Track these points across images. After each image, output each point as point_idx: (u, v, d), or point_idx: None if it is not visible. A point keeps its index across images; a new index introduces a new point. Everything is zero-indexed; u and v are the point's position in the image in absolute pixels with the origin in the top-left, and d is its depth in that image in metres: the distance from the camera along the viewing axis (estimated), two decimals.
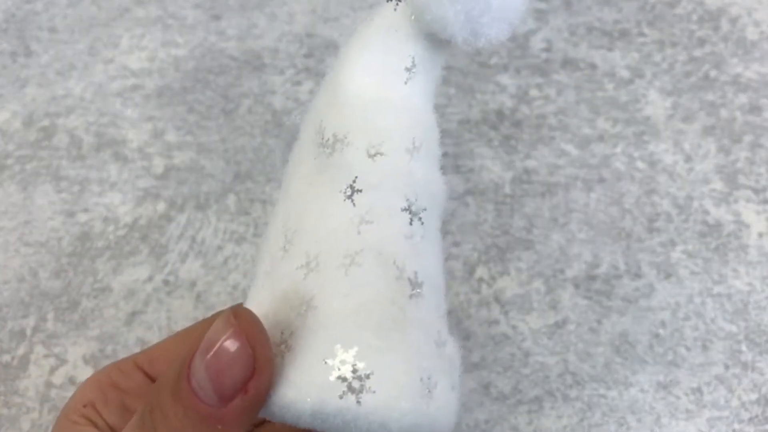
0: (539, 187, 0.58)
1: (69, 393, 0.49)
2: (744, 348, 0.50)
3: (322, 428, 0.28)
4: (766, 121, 0.61)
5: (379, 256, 0.30)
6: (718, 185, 0.58)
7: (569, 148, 0.60)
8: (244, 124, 0.62)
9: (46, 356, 0.51)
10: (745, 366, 0.50)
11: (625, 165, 0.59)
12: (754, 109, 0.62)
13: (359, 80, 0.31)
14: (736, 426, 0.47)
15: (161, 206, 0.58)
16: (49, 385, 0.50)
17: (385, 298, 0.29)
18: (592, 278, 0.53)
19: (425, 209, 0.31)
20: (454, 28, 0.30)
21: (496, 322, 0.52)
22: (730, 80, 0.64)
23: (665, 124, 0.61)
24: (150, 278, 0.54)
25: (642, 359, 0.50)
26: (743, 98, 0.62)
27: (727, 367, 0.50)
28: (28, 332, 0.52)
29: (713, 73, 0.64)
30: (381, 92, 0.31)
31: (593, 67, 0.65)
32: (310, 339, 0.28)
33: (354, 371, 0.28)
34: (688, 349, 0.50)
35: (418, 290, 0.30)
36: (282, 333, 0.29)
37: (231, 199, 0.58)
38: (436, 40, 0.31)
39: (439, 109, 0.62)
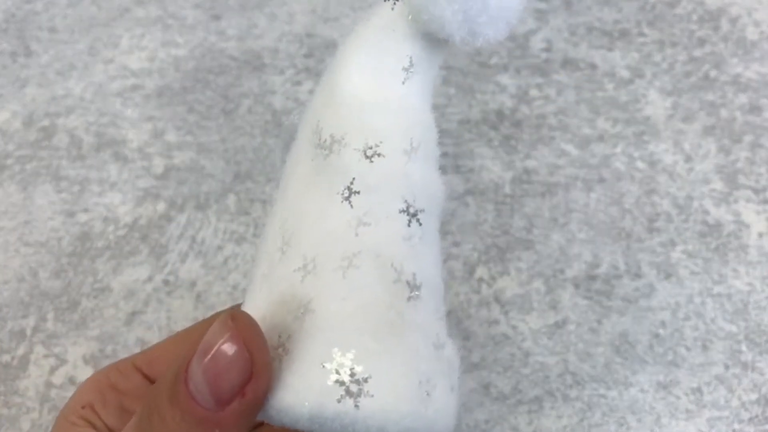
0: (539, 187, 0.58)
1: (69, 393, 0.49)
2: (744, 348, 0.50)
3: None
4: (766, 121, 0.61)
5: (377, 259, 0.29)
6: (718, 185, 0.58)
7: (569, 148, 0.60)
8: (244, 124, 0.62)
9: (46, 356, 0.51)
10: (745, 366, 0.50)
11: (625, 165, 0.59)
12: (754, 109, 0.62)
13: (356, 80, 0.31)
14: (736, 426, 0.47)
15: (161, 206, 0.58)
16: (49, 385, 0.50)
17: (382, 301, 0.29)
18: (592, 278, 0.53)
19: (423, 210, 0.31)
20: (451, 27, 0.30)
21: (496, 322, 0.52)
22: (730, 80, 0.64)
23: (665, 124, 0.61)
24: (150, 278, 0.54)
25: (642, 359, 0.50)
26: (743, 98, 0.62)
27: (727, 367, 0.50)
28: (28, 332, 0.52)
29: (713, 73, 0.64)
30: (378, 93, 0.31)
31: (593, 67, 0.65)
32: (308, 342, 0.28)
33: (352, 375, 0.28)
34: (688, 349, 0.50)
35: (417, 293, 0.30)
36: (279, 336, 0.29)
37: (231, 199, 0.58)
38: (433, 39, 0.31)
39: (439, 109, 0.62)
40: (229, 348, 0.27)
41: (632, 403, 0.48)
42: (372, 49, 0.31)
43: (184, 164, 0.60)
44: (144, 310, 0.53)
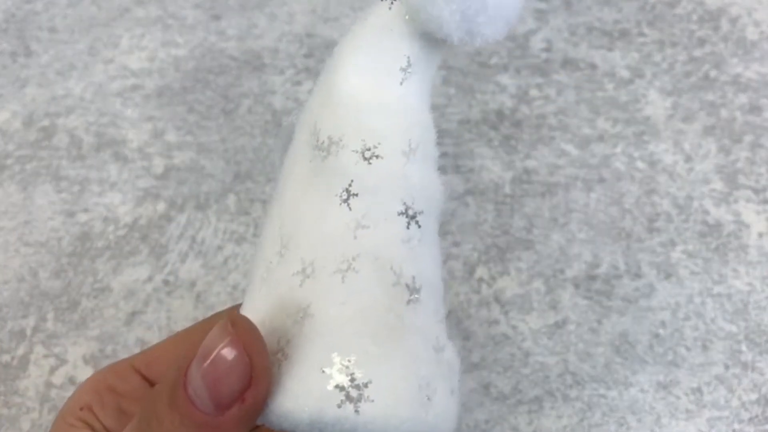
0: (539, 187, 0.58)
1: (69, 393, 0.49)
2: (744, 348, 0.50)
3: None
4: (766, 121, 0.61)
5: (375, 262, 0.29)
6: (718, 185, 0.58)
7: (569, 148, 0.60)
8: (244, 124, 0.62)
9: (46, 356, 0.51)
10: (745, 366, 0.50)
11: (625, 165, 0.59)
12: (754, 109, 0.62)
13: (353, 81, 0.31)
14: (736, 426, 0.47)
15: (161, 206, 0.58)
16: (49, 385, 0.50)
17: (382, 305, 0.29)
18: (592, 278, 0.53)
19: (422, 212, 0.31)
20: (449, 27, 0.30)
21: (496, 322, 0.52)
22: (730, 80, 0.64)
23: (665, 124, 0.61)
24: (150, 278, 0.54)
25: (642, 359, 0.50)
26: (743, 98, 0.62)
27: (727, 367, 0.50)
28: (28, 332, 0.52)
29: (713, 73, 0.64)
30: (376, 93, 0.31)
31: (593, 67, 0.65)
32: (307, 347, 0.28)
33: (352, 380, 0.27)
34: (688, 349, 0.50)
35: (416, 295, 0.30)
36: (279, 341, 0.29)
37: (231, 199, 0.58)
38: (431, 39, 0.31)
39: (439, 109, 0.62)
40: (228, 353, 0.26)
41: (632, 403, 0.48)
42: (369, 49, 0.31)
43: (184, 164, 0.60)
44: (144, 310, 0.53)
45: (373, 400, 0.27)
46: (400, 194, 0.30)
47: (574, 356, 0.50)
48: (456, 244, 0.55)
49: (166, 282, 0.54)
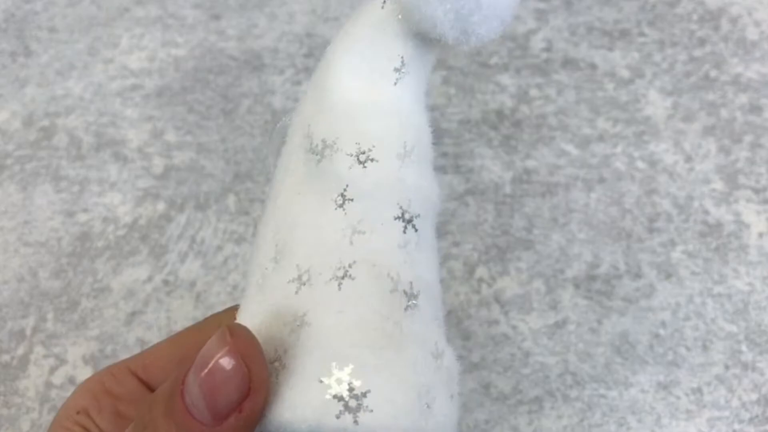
0: (539, 187, 0.58)
1: (69, 393, 0.49)
2: (744, 348, 0.50)
3: None
4: (767, 121, 0.61)
5: (372, 269, 0.29)
6: (719, 185, 0.57)
7: (569, 148, 0.60)
8: (244, 124, 0.62)
9: (45, 356, 0.51)
10: (745, 366, 0.50)
11: (625, 165, 0.59)
12: (755, 109, 0.62)
13: (346, 83, 0.30)
14: (737, 426, 0.47)
15: (161, 206, 0.58)
16: (48, 385, 0.50)
17: (379, 313, 0.28)
18: (592, 278, 0.53)
19: (419, 215, 0.30)
20: (444, 27, 0.29)
21: (496, 322, 0.52)
22: (731, 80, 0.64)
23: (665, 124, 0.61)
24: (150, 278, 0.54)
25: (642, 359, 0.50)
26: (743, 98, 0.62)
27: (727, 367, 0.50)
28: (28, 332, 0.52)
29: (713, 73, 0.64)
30: (369, 95, 0.30)
31: (593, 67, 0.65)
32: (305, 357, 0.28)
33: (350, 390, 0.27)
34: (688, 349, 0.50)
35: (414, 302, 0.29)
36: (276, 350, 0.28)
37: (231, 199, 0.58)
38: (425, 39, 0.30)
39: (439, 109, 0.62)
40: (226, 362, 0.26)
41: (632, 403, 0.48)
42: (362, 49, 0.30)
43: (184, 164, 0.60)
44: (144, 310, 0.53)
45: (372, 410, 0.27)
46: (396, 198, 0.30)
47: (574, 356, 0.50)
48: (456, 244, 0.55)
49: (165, 282, 0.54)
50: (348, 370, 0.27)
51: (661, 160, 0.59)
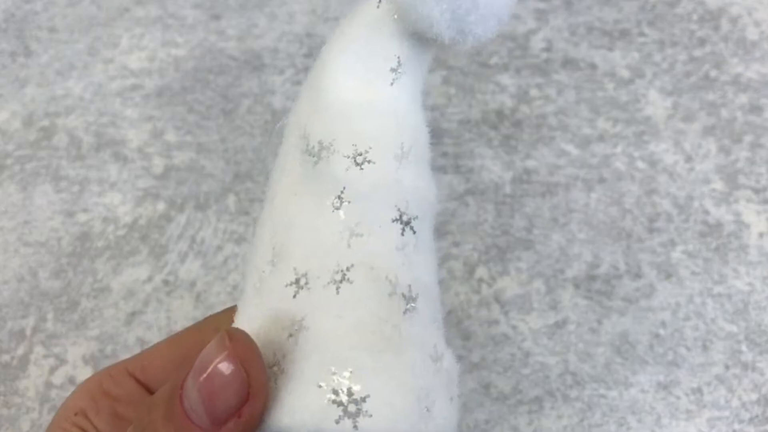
0: (539, 187, 0.58)
1: (69, 393, 0.49)
2: (744, 348, 0.50)
3: None
4: (767, 121, 0.61)
5: (370, 272, 0.29)
6: (719, 185, 0.57)
7: (569, 148, 0.60)
8: (244, 124, 0.62)
9: (45, 356, 0.51)
10: (745, 366, 0.50)
11: (625, 165, 0.59)
12: (755, 109, 0.62)
13: (342, 83, 0.30)
14: (737, 426, 0.47)
15: (161, 206, 0.58)
16: (48, 385, 0.50)
17: (378, 317, 0.28)
18: (593, 278, 0.53)
19: (416, 217, 0.30)
20: (440, 27, 0.28)
21: (496, 322, 0.52)
22: (731, 80, 0.64)
23: (665, 124, 0.61)
24: (150, 278, 0.54)
25: (642, 359, 0.50)
26: (743, 98, 0.62)
27: (727, 367, 0.50)
28: (28, 332, 0.52)
29: (713, 73, 0.64)
30: (366, 95, 0.30)
31: (593, 67, 0.65)
32: (304, 362, 0.28)
33: (350, 395, 0.27)
34: (688, 349, 0.50)
35: (413, 304, 0.29)
36: (275, 354, 0.28)
37: (231, 199, 0.58)
38: (421, 38, 0.30)
39: (439, 109, 0.62)
40: (225, 367, 0.26)
41: (632, 404, 0.48)
42: (358, 49, 0.30)
43: (184, 164, 0.60)
44: (144, 310, 0.53)
45: (371, 415, 0.27)
46: (394, 200, 0.30)
47: (574, 356, 0.50)
48: (456, 244, 0.55)
49: (165, 282, 0.54)
50: (347, 374, 0.27)
51: (661, 160, 0.59)
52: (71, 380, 0.50)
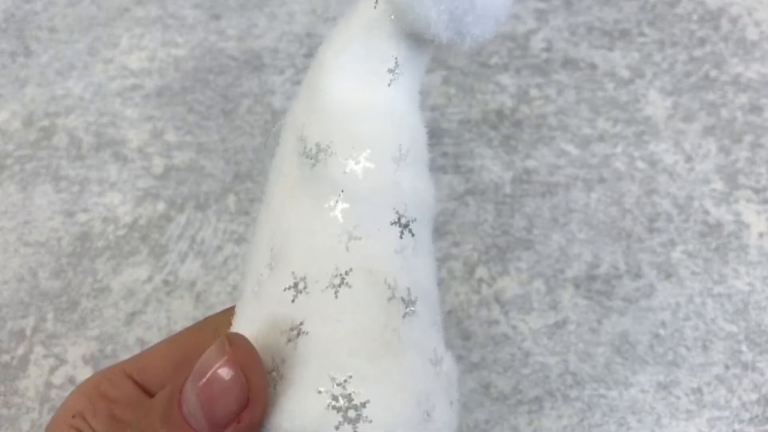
0: (539, 187, 0.58)
1: (68, 393, 0.49)
2: (744, 348, 0.50)
3: None
4: (767, 121, 0.61)
5: (369, 275, 0.28)
6: (719, 185, 0.57)
7: (569, 148, 0.60)
8: (244, 124, 0.62)
9: (45, 356, 0.51)
10: (745, 366, 0.50)
11: (625, 165, 0.59)
12: (755, 109, 0.62)
13: (340, 84, 0.30)
14: (737, 426, 0.47)
15: (161, 206, 0.58)
16: (48, 385, 0.50)
17: (377, 321, 0.28)
18: (593, 278, 0.53)
19: (415, 220, 0.30)
20: (437, 28, 0.28)
21: (496, 322, 0.52)
22: (731, 80, 0.64)
23: (665, 124, 0.61)
24: (150, 278, 0.54)
25: (642, 359, 0.50)
26: (743, 98, 0.62)
27: (727, 367, 0.50)
28: (28, 332, 0.52)
29: (713, 73, 0.64)
30: (363, 97, 0.30)
31: (593, 67, 0.65)
32: (303, 367, 0.27)
33: (349, 400, 0.27)
34: (688, 349, 0.50)
35: (412, 308, 0.29)
36: (273, 359, 0.28)
37: (231, 199, 0.58)
38: (419, 39, 0.29)
39: (439, 109, 0.62)
40: (225, 373, 0.26)
41: (632, 404, 0.48)
42: (355, 50, 0.30)
43: (184, 164, 0.60)
44: (144, 310, 0.53)
45: (371, 421, 0.27)
46: (392, 203, 0.29)
47: (574, 356, 0.50)
48: (456, 244, 0.55)
49: (165, 282, 0.54)
50: (346, 379, 0.27)
51: (661, 160, 0.59)
52: (71, 380, 0.50)
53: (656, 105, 0.62)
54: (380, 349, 0.28)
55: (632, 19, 0.68)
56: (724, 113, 0.62)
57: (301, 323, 0.28)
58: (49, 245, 0.56)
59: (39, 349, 0.51)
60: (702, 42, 0.66)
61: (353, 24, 0.30)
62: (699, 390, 0.49)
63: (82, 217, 0.57)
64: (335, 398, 0.27)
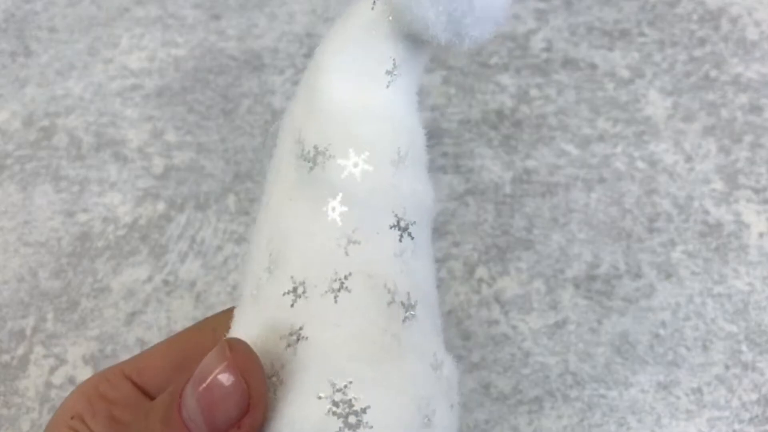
0: (539, 187, 0.58)
1: (68, 393, 0.49)
2: (744, 348, 0.50)
3: None
4: (767, 121, 0.61)
5: (369, 280, 0.28)
6: (719, 185, 0.57)
7: (569, 148, 0.60)
8: (244, 124, 0.62)
9: (45, 356, 0.51)
10: (745, 366, 0.50)
11: (625, 165, 0.59)
12: (755, 109, 0.62)
13: (337, 86, 0.29)
14: (737, 426, 0.47)
15: (161, 206, 0.58)
16: (48, 385, 0.50)
17: (377, 326, 0.28)
18: (593, 278, 0.53)
19: (414, 223, 0.30)
20: (436, 29, 0.28)
21: (496, 322, 0.52)
22: (731, 80, 0.64)
23: (665, 124, 0.61)
24: (150, 278, 0.54)
25: (642, 359, 0.50)
26: (743, 98, 0.62)
27: (727, 367, 0.50)
28: (28, 332, 0.52)
29: (713, 73, 0.64)
30: (361, 99, 0.29)
31: (593, 67, 0.65)
32: (303, 372, 0.27)
33: (350, 406, 0.27)
34: (688, 349, 0.50)
35: (412, 312, 0.29)
36: (273, 365, 0.28)
37: (231, 199, 0.58)
38: (417, 40, 0.29)
39: (439, 109, 0.62)
40: (226, 378, 0.26)
41: (632, 404, 0.48)
42: (353, 51, 0.30)
43: (184, 164, 0.60)
44: (144, 310, 0.53)
45: (371, 426, 0.27)
46: (391, 206, 0.29)
47: (574, 356, 0.50)
48: (456, 244, 0.55)
49: (165, 282, 0.54)
50: (347, 385, 0.27)
51: (661, 160, 0.59)
52: (71, 380, 0.50)
53: (656, 105, 0.62)
54: (380, 354, 0.28)
55: (632, 19, 0.68)
56: (724, 113, 0.62)
57: (301, 328, 0.28)
58: (49, 245, 0.56)
59: (39, 349, 0.51)
60: (702, 42, 0.66)
61: (351, 25, 0.30)
62: (699, 390, 0.49)
63: (82, 217, 0.57)
64: (335, 404, 0.27)
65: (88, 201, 0.58)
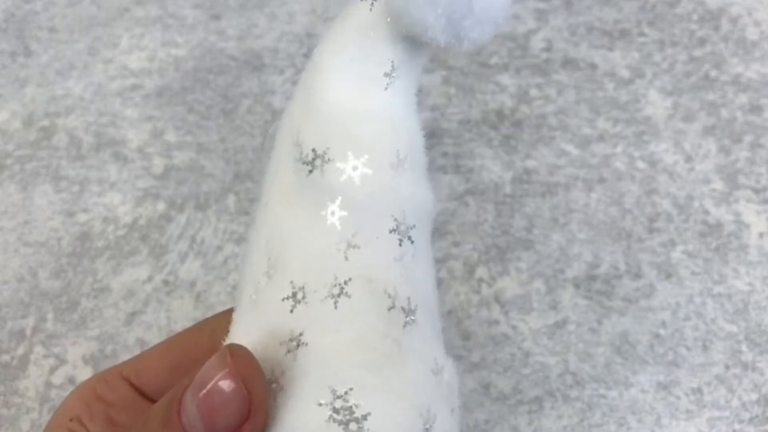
0: (539, 187, 0.58)
1: (68, 393, 0.49)
2: (744, 348, 0.50)
3: None
4: (767, 121, 0.61)
5: (369, 285, 0.28)
6: (719, 185, 0.57)
7: (569, 148, 0.60)
8: (244, 124, 0.62)
9: (45, 356, 0.51)
10: (745, 366, 0.50)
11: (625, 165, 0.59)
12: (755, 109, 0.62)
13: (336, 88, 0.29)
14: (737, 426, 0.47)
15: (161, 206, 0.58)
16: (48, 385, 0.50)
17: (378, 331, 0.28)
18: (593, 278, 0.53)
19: (414, 226, 0.29)
20: (435, 31, 0.28)
21: (496, 322, 0.52)
22: (731, 80, 0.64)
23: (665, 124, 0.61)
24: (150, 278, 0.54)
25: (642, 359, 0.50)
26: (743, 98, 0.62)
27: (727, 367, 0.50)
28: (28, 332, 0.52)
29: (713, 73, 0.64)
30: (360, 101, 0.29)
31: (593, 67, 0.65)
32: (303, 379, 0.27)
33: (350, 413, 0.26)
34: (688, 349, 0.50)
35: (412, 317, 0.28)
36: (273, 371, 0.28)
37: (231, 199, 0.58)
38: (416, 42, 0.29)
39: (439, 109, 0.62)
40: (226, 385, 0.26)
41: (632, 404, 0.48)
42: (351, 53, 0.29)
43: (184, 164, 0.60)
44: (144, 310, 0.53)
45: None
46: (391, 209, 0.29)
47: (574, 356, 0.50)
48: (456, 244, 0.55)
49: (165, 282, 0.54)
50: (347, 391, 0.27)
51: (661, 160, 0.59)
52: (71, 380, 0.50)
53: (656, 105, 0.62)
54: (381, 360, 0.28)
55: (632, 19, 0.68)
56: (724, 113, 0.62)
57: (301, 334, 0.28)
58: (49, 245, 0.56)
59: (39, 349, 0.51)
60: (702, 42, 0.66)
61: (349, 25, 0.29)
62: (699, 390, 0.49)
63: (82, 217, 0.57)
64: (336, 411, 0.27)
65: (88, 201, 0.58)
